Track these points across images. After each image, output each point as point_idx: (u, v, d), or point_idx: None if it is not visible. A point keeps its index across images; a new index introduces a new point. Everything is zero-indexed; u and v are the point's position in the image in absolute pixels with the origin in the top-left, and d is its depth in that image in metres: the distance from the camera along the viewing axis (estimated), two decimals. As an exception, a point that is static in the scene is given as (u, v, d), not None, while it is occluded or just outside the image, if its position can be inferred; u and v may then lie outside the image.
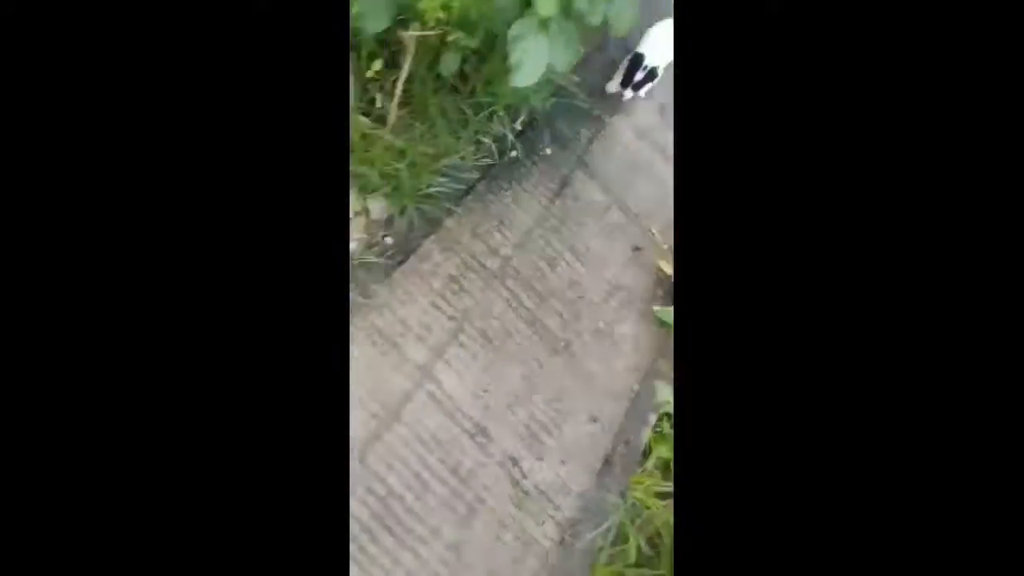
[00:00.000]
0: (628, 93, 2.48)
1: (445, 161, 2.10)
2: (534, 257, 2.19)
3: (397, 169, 1.99)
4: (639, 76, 2.35)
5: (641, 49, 2.38)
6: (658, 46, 2.35)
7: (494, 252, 2.16)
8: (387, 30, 1.68)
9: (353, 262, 1.87)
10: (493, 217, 2.21)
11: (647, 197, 2.52)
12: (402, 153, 1.99)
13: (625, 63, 2.43)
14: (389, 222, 2.01)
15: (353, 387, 1.71)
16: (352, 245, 1.91)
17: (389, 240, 1.99)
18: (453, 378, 1.89)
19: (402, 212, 2.02)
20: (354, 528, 1.59)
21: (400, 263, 1.97)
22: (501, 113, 2.29)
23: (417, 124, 2.06)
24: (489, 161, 2.27)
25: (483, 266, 2.11)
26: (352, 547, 1.57)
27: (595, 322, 2.18)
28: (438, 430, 1.80)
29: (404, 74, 1.88)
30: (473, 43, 1.84)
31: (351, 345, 1.75)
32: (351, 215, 1.94)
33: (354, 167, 1.91)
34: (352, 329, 1.79)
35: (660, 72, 2.39)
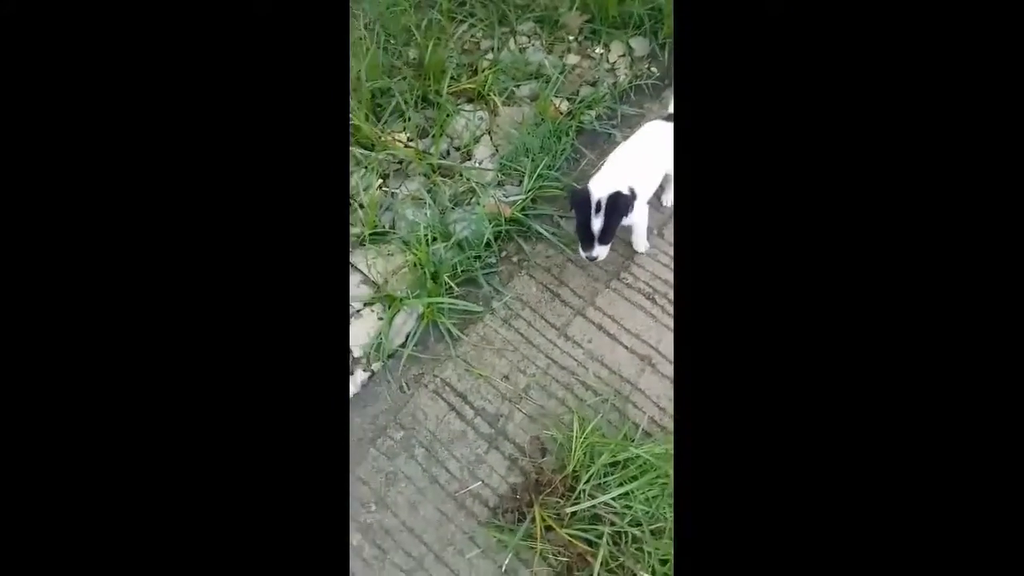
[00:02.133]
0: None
1: None
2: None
3: (652, 10, 2.13)
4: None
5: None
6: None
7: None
8: None
9: (631, 86, 2.04)
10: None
11: None
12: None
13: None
14: (652, 55, 2.14)
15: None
16: (621, 76, 2.09)
17: (654, 69, 2.11)
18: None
19: (662, 47, 2.14)
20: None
21: (669, 85, 2.07)
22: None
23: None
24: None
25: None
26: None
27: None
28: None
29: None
30: None
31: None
32: (623, 54, 2.13)
33: (617, 12, 2.12)
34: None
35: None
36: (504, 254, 1.76)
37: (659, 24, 2.14)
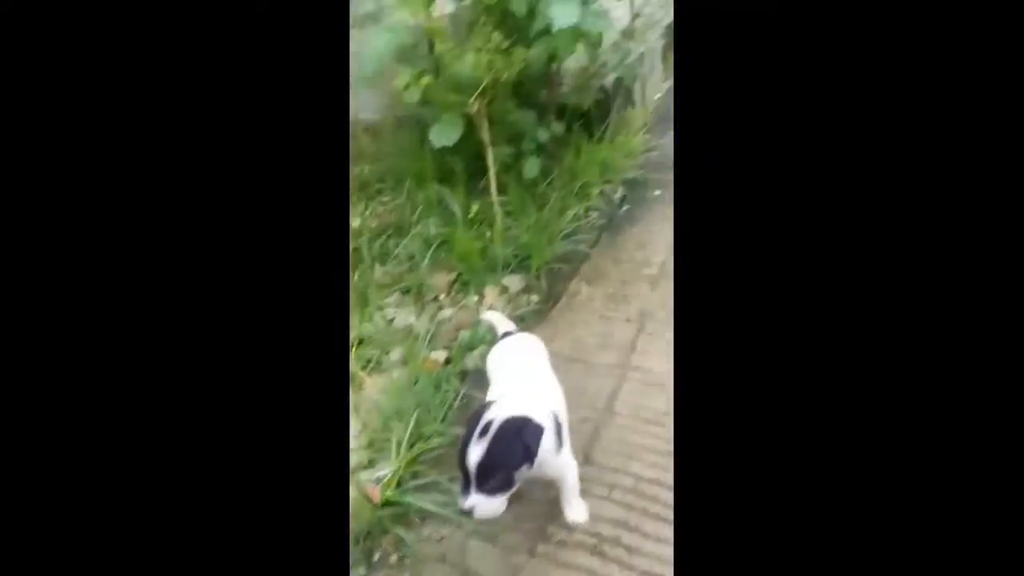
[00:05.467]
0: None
1: (564, 229, 2.17)
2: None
3: (519, 252, 2.09)
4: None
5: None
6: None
7: (648, 264, 1.99)
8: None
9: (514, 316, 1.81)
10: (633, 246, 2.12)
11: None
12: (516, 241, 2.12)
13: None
14: (527, 289, 2.00)
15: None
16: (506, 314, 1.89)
17: (535, 297, 1.95)
18: (652, 359, 1.53)
19: (537, 277, 2.03)
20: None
21: (553, 306, 1.88)
22: (598, 187, 2.42)
23: (521, 219, 2.22)
24: (604, 221, 2.30)
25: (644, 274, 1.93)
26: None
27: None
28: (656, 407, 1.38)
29: (493, 182, 2.17)
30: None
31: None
32: (501, 293, 1.98)
33: (482, 264, 2.05)
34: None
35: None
36: (376, 557, 1.21)
37: (527, 260, 2.06)
